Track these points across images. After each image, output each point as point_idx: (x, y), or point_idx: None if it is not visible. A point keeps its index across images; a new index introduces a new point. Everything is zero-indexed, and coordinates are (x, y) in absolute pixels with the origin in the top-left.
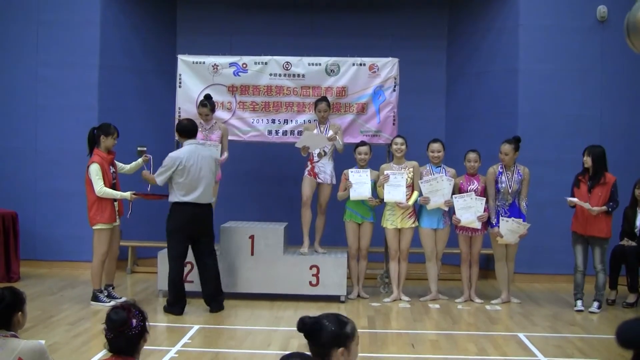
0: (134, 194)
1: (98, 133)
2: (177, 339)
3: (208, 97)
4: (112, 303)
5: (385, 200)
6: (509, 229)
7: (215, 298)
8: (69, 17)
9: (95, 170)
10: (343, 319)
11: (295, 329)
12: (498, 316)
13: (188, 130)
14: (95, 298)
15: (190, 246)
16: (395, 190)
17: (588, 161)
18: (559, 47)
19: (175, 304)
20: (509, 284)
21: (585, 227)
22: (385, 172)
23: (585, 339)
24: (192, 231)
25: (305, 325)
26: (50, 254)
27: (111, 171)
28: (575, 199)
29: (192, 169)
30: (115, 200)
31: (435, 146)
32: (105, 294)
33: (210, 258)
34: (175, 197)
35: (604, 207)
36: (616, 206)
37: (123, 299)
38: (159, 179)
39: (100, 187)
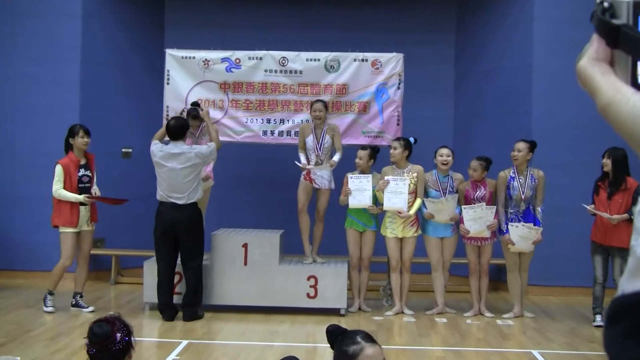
0: (87, 197)
1: (67, 137)
2: (164, 355)
3: (196, 105)
4: (51, 310)
5: (384, 208)
6: (520, 235)
7: (187, 308)
8: (47, 8)
9: (57, 172)
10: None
11: (292, 344)
12: (510, 331)
13: (173, 132)
14: (44, 299)
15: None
16: (396, 198)
17: (608, 164)
18: (576, 42)
19: (163, 309)
20: (522, 297)
21: (605, 236)
22: (386, 178)
23: (605, 357)
24: (171, 232)
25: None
26: (28, 264)
27: (80, 174)
28: (592, 207)
29: (164, 168)
30: (82, 204)
31: (444, 151)
32: (73, 304)
33: (187, 267)
34: (157, 194)
35: (625, 215)
36: None
37: (90, 309)
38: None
39: (55, 189)
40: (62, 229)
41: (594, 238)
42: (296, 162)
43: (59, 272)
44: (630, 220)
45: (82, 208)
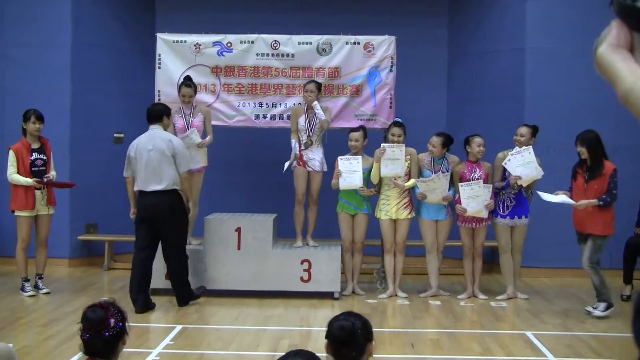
0: (36, 181)
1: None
2: (158, 341)
3: (189, 78)
4: (31, 293)
5: (382, 175)
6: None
7: (178, 296)
8: None
9: (9, 157)
10: (356, 313)
11: (286, 328)
12: (504, 313)
13: (151, 115)
14: (22, 287)
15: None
16: (393, 164)
17: (584, 152)
18: (570, 23)
19: (135, 298)
20: (516, 279)
21: (580, 223)
22: (382, 145)
23: (599, 337)
24: (150, 221)
25: (345, 330)
26: None
27: (32, 158)
28: (549, 196)
29: (141, 157)
30: (38, 188)
31: (434, 140)
32: (33, 285)
33: (172, 259)
34: (135, 185)
35: (593, 201)
36: (610, 199)
37: (45, 290)
38: (126, 173)
39: (9, 174)
40: (17, 213)
41: (575, 226)
42: (286, 163)
43: (20, 257)
44: (600, 207)
45: (37, 192)
